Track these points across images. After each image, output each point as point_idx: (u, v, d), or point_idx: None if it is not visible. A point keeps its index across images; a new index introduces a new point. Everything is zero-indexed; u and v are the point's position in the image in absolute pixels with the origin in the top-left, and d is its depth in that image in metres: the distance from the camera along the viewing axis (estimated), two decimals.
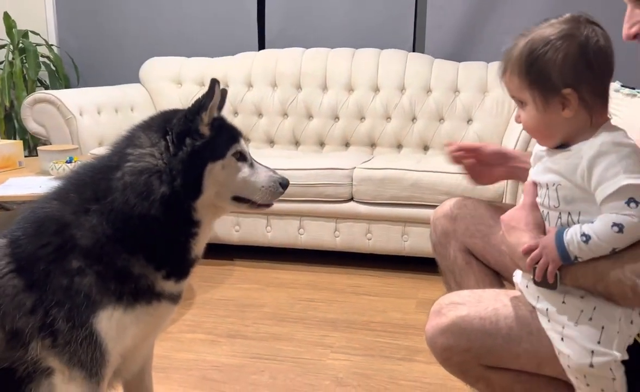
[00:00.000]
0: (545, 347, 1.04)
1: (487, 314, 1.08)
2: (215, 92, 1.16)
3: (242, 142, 1.24)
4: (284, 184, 1.25)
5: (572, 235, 0.96)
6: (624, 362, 0.98)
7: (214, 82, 1.17)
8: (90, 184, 1.17)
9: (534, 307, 1.06)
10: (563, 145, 1.01)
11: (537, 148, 1.08)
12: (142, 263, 1.16)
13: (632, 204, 0.92)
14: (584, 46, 0.96)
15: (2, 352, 1.14)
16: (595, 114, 0.98)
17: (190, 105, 1.17)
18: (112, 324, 1.14)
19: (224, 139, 1.20)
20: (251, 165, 1.24)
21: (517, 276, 1.12)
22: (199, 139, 1.16)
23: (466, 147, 1.34)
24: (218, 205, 1.23)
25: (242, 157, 1.22)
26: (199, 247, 1.23)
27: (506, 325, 1.07)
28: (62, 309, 1.11)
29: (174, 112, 1.21)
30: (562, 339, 1.00)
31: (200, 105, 1.16)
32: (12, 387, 1.17)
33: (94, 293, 1.12)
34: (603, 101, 1.00)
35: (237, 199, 1.24)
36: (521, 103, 1.03)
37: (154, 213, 1.13)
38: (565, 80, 0.96)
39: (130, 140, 1.19)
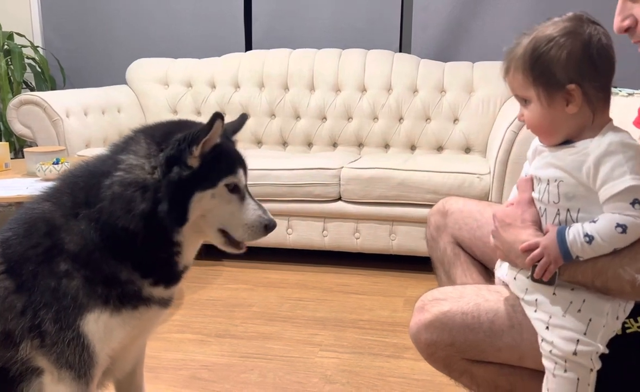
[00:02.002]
0: (527, 341, 1.06)
1: (469, 308, 1.10)
2: (213, 127, 1.11)
3: (240, 173, 1.19)
4: (270, 226, 1.21)
5: (574, 236, 0.97)
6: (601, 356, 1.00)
7: (215, 117, 1.11)
8: (84, 188, 1.16)
9: (516, 301, 1.07)
10: (565, 143, 1.02)
11: (536, 143, 1.09)
12: (129, 270, 1.15)
13: (637, 206, 0.93)
14: (587, 44, 0.98)
15: None
16: (598, 111, 1.00)
17: (188, 133, 1.11)
18: (99, 326, 1.13)
19: (219, 168, 1.15)
20: (242, 198, 1.19)
21: (501, 269, 1.13)
22: (186, 169, 1.11)
23: None
24: (203, 231, 1.19)
25: (235, 188, 1.17)
26: (186, 260, 1.21)
27: (488, 319, 1.08)
28: (50, 311, 1.11)
29: (179, 126, 1.17)
30: (547, 327, 1.02)
31: (194, 137, 1.10)
32: (5, 387, 1.17)
33: (81, 296, 1.12)
34: (605, 99, 1.01)
35: (221, 232, 1.20)
36: (525, 101, 1.04)
37: (134, 228, 1.10)
38: (569, 76, 0.98)
39: (127, 144, 1.16)
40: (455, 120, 3.16)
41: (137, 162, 1.12)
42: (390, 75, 3.23)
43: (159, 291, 1.19)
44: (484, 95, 3.09)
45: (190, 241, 1.18)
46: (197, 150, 1.11)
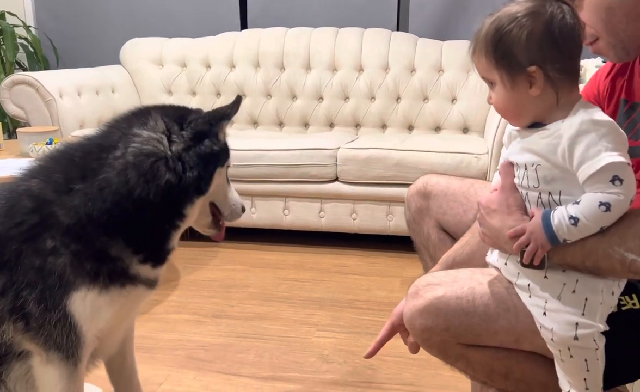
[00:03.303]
0: (522, 323, 1.05)
1: (463, 293, 1.08)
2: (239, 108, 1.26)
3: None
4: (244, 209, 1.36)
5: (559, 219, 0.96)
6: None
7: (240, 98, 1.28)
8: (79, 163, 1.15)
9: (510, 284, 1.06)
10: (535, 124, 1.01)
11: (510, 127, 1.08)
12: (120, 246, 1.14)
13: (617, 182, 0.92)
14: (549, 23, 0.95)
15: None
16: (564, 92, 0.98)
17: (218, 110, 1.23)
18: (86, 305, 1.12)
19: (227, 148, 1.27)
20: (228, 181, 1.32)
21: (492, 255, 1.12)
22: (217, 143, 1.21)
23: (383, 339, 1.27)
24: (200, 208, 1.26)
25: (227, 169, 1.29)
26: (176, 239, 1.24)
27: (483, 303, 1.07)
28: (34, 291, 1.09)
29: (186, 110, 1.24)
30: (544, 313, 1.00)
31: (225, 114, 1.23)
32: None
33: (68, 273, 1.10)
34: (572, 79, 0.99)
35: (212, 211, 1.30)
36: (491, 83, 1.03)
37: (153, 198, 1.13)
38: (530, 58, 0.96)
39: (137, 121, 1.18)
40: (453, 100, 3.13)
41: (156, 136, 1.16)
42: (387, 55, 3.19)
43: (145, 270, 1.19)
44: None
45: (191, 218, 1.23)
46: (226, 126, 1.24)
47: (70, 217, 1.10)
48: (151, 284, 1.22)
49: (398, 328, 1.22)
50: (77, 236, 1.10)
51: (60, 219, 1.10)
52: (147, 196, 1.12)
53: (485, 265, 1.14)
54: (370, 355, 1.27)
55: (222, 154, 1.23)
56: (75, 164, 1.15)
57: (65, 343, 1.12)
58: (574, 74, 0.99)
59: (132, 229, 1.14)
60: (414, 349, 1.20)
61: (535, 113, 1.00)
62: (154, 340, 1.96)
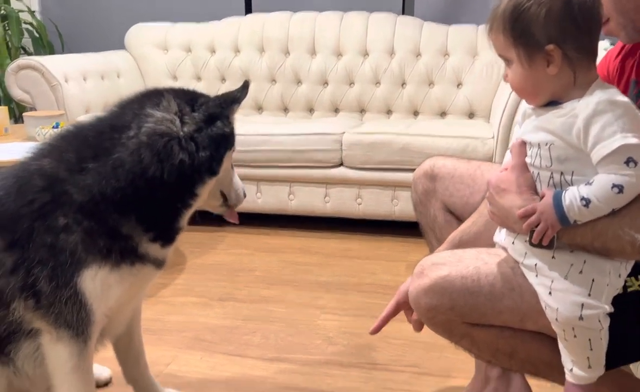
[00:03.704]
0: (527, 303, 1.05)
1: (468, 272, 1.09)
2: (247, 92, 1.29)
3: None
4: (245, 195, 1.38)
5: (571, 200, 0.95)
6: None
7: (248, 83, 1.30)
8: (91, 143, 1.16)
9: (515, 264, 1.07)
10: (551, 103, 1.00)
11: (524, 105, 1.07)
12: (131, 224, 1.15)
13: (631, 164, 0.91)
14: (568, 1, 0.94)
15: None
16: (581, 71, 0.97)
17: (228, 94, 1.26)
18: (96, 283, 1.13)
19: (234, 134, 1.28)
20: (232, 166, 1.34)
21: (500, 234, 1.12)
22: (228, 126, 1.23)
23: (387, 316, 1.27)
24: (211, 190, 1.28)
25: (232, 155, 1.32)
26: (186, 219, 1.25)
27: (488, 282, 1.07)
28: (46, 268, 1.10)
29: (196, 93, 1.26)
30: (550, 293, 1.00)
31: (235, 98, 1.25)
32: None
33: (80, 251, 1.11)
34: (590, 58, 0.98)
35: (222, 194, 1.33)
36: (507, 61, 1.02)
37: (167, 177, 1.14)
38: (548, 36, 0.95)
39: (150, 101, 1.20)
40: (459, 84, 3.12)
41: (169, 116, 1.17)
42: (392, 39, 3.18)
43: (154, 249, 1.20)
44: (489, 59, 3.04)
45: (202, 199, 1.25)
46: (237, 109, 1.26)
47: (83, 195, 1.11)
48: (159, 263, 1.23)
49: (403, 306, 1.23)
50: (89, 214, 1.11)
51: (72, 197, 1.11)
52: (161, 175, 1.14)
53: (492, 245, 1.14)
54: (375, 331, 1.28)
55: (231, 137, 1.25)
56: (87, 143, 1.16)
57: (76, 321, 1.13)
58: (592, 53, 0.98)
59: (144, 207, 1.15)
60: (418, 327, 1.21)
61: (552, 92, 0.99)
62: (162, 322, 1.98)
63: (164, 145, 1.14)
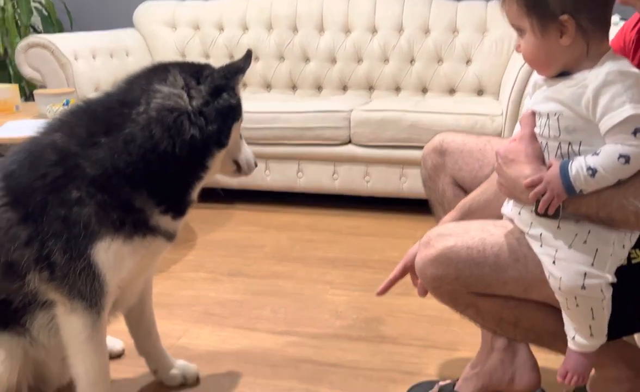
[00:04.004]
0: (532, 273, 1.06)
1: (474, 243, 1.10)
2: (251, 61, 1.29)
3: None
4: (256, 164, 1.39)
5: (577, 169, 0.96)
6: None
7: (251, 52, 1.30)
8: (102, 118, 1.18)
9: (521, 235, 1.07)
10: (562, 74, 1.00)
11: (535, 76, 1.07)
12: (143, 197, 1.18)
13: (639, 135, 0.91)
14: None
15: None
16: (594, 42, 0.97)
17: (231, 64, 1.26)
18: (109, 254, 1.16)
19: (241, 104, 1.29)
20: (240, 136, 1.36)
21: (507, 205, 1.13)
22: (234, 97, 1.24)
23: (394, 277, 1.29)
24: (222, 160, 1.29)
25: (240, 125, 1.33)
26: (196, 191, 1.27)
27: (493, 253, 1.08)
28: (60, 240, 1.12)
29: (200, 65, 1.27)
30: (554, 262, 1.01)
31: (239, 68, 1.25)
32: (7, 318, 1.19)
33: (93, 223, 1.13)
34: (603, 29, 0.98)
35: (234, 162, 1.36)
36: (520, 31, 1.02)
37: (177, 151, 1.16)
38: (562, 7, 0.95)
39: (157, 77, 1.21)
40: (468, 61, 3.10)
41: (176, 91, 1.19)
42: (401, 15, 3.16)
43: (165, 222, 1.22)
44: (498, 36, 3.01)
45: (213, 171, 1.27)
46: (241, 79, 1.26)
47: (95, 169, 1.13)
48: (170, 236, 1.25)
49: (410, 269, 1.24)
50: (102, 187, 1.13)
51: (85, 171, 1.13)
52: (172, 150, 1.16)
53: (500, 215, 1.15)
54: (382, 292, 1.30)
55: (238, 108, 1.26)
56: (97, 119, 1.18)
57: (89, 292, 1.16)
58: (605, 25, 0.98)
59: (156, 181, 1.18)
60: (423, 292, 1.22)
61: (564, 63, 0.99)
62: (172, 297, 2.01)
63: (174, 121, 1.16)
